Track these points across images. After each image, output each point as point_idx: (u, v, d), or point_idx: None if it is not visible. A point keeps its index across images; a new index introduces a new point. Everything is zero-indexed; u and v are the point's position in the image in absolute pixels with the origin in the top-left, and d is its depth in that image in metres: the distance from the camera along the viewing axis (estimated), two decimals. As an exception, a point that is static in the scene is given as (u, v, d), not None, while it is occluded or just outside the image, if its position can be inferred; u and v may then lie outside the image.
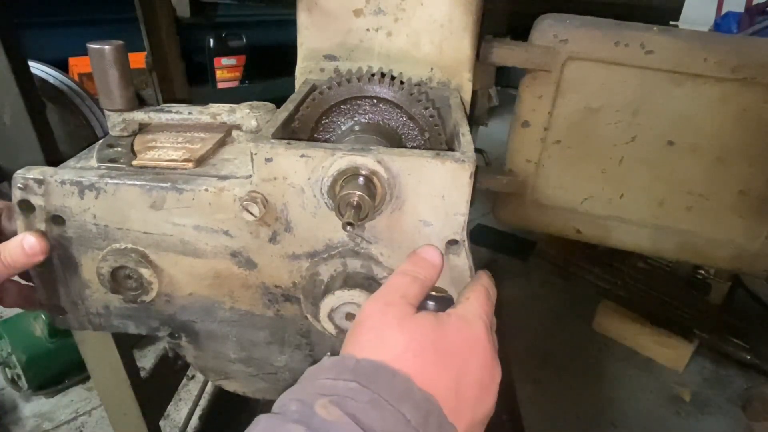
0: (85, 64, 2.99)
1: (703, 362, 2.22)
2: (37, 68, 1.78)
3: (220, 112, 0.71)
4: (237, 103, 0.74)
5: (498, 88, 4.51)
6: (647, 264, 2.48)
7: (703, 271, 2.36)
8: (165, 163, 0.63)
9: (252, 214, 0.55)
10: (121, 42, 0.66)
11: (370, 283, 0.57)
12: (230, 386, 0.70)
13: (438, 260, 0.53)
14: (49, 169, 0.59)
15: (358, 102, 0.65)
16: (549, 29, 0.76)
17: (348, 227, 0.49)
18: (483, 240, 2.96)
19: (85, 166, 0.64)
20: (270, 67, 3.82)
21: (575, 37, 0.76)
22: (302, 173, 0.54)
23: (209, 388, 1.84)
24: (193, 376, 2.03)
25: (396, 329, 0.46)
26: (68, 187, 0.58)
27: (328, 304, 0.56)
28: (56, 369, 1.96)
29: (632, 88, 0.77)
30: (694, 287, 2.36)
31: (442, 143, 0.64)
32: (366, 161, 0.51)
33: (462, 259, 0.57)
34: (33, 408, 1.95)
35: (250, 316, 0.64)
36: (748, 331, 2.23)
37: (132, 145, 0.68)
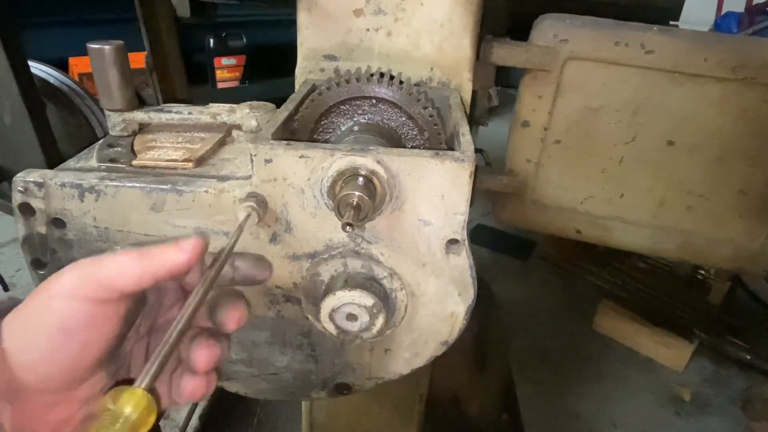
0: (85, 64, 2.99)
1: (703, 362, 2.21)
2: (37, 68, 1.77)
3: (220, 112, 0.71)
4: (237, 103, 0.74)
5: (498, 88, 4.50)
6: (647, 264, 2.48)
7: (703, 271, 2.36)
8: (165, 163, 0.63)
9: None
10: (121, 42, 0.66)
11: (371, 284, 0.57)
12: (232, 387, 0.70)
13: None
14: (49, 172, 0.59)
15: (358, 102, 0.65)
16: (549, 29, 0.76)
17: (348, 228, 0.49)
18: (483, 240, 2.96)
19: (85, 166, 0.64)
20: (270, 67, 3.83)
21: (575, 37, 0.76)
22: (302, 174, 0.54)
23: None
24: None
25: None
26: (68, 189, 0.58)
27: (328, 304, 0.56)
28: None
29: (632, 88, 0.77)
30: (694, 287, 2.36)
31: (441, 143, 0.64)
32: (365, 161, 0.51)
33: (462, 259, 0.57)
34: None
35: (250, 317, 0.64)
36: (748, 331, 2.23)
37: (132, 144, 0.68)
